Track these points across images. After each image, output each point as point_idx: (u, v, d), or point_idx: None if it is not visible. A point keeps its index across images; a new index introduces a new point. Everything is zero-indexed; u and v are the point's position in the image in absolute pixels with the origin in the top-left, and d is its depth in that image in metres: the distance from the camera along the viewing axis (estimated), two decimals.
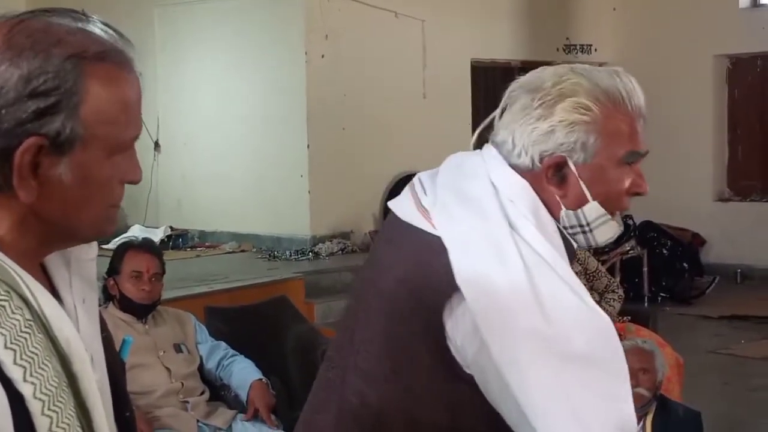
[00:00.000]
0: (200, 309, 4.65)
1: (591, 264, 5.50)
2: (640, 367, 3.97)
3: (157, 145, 10.62)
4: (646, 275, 9.73)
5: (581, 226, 1.76)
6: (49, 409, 1.10)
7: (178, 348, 3.99)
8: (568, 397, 1.59)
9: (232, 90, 10.12)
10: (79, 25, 1.19)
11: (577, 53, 11.62)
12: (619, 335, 5.37)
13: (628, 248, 9.67)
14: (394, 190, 10.05)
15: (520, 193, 1.70)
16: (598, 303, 5.23)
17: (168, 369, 3.90)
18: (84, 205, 1.20)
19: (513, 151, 1.73)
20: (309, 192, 9.53)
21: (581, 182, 1.72)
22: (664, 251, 10.10)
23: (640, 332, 5.24)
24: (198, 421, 3.81)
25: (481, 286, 1.61)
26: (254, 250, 9.72)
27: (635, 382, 3.85)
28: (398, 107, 10.06)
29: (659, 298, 9.77)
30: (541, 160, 1.71)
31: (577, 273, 5.51)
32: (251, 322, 4.64)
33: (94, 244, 1.30)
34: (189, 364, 3.98)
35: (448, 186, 1.78)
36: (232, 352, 4.04)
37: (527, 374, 1.59)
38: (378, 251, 1.88)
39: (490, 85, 11.51)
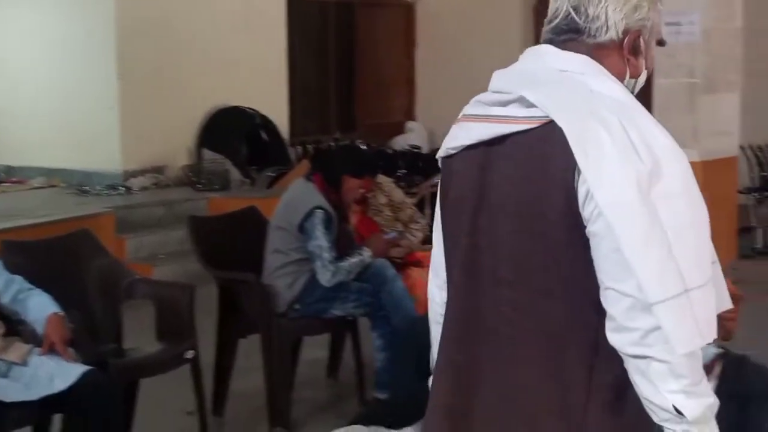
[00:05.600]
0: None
1: (396, 196, 5.64)
2: None
3: None
4: None
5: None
6: None
7: None
8: (670, 231, 1.78)
9: (31, 17, 9.75)
10: None
11: None
12: (421, 263, 5.45)
13: (437, 181, 9.91)
14: (210, 124, 9.97)
15: (584, 65, 1.95)
16: (403, 233, 5.43)
17: None
18: None
19: (602, 26, 1.97)
20: (119, 125, 9.34)
21: (646, 55, 2.03)
22: None
23: None
24: None
25: (590, 145, 1.81)
26: (64, 185, 9.50)
27: None
28: (213, 40, 9.95)
29: None
30: (624, 33, 1.98)
31: (383, 204, 5.67)
32: (51, 256, 4.56)
33: None
34: None
35: (523, 84, 1.95)
36: (28, 285, 3.97)
37: (633, 208, 1.78)
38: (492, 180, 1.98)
39: (305, 19, 11.50)
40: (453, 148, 2.07)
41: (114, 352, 4.31)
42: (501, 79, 2.03)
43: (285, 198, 5.06)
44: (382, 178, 5.58)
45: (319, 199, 4.84)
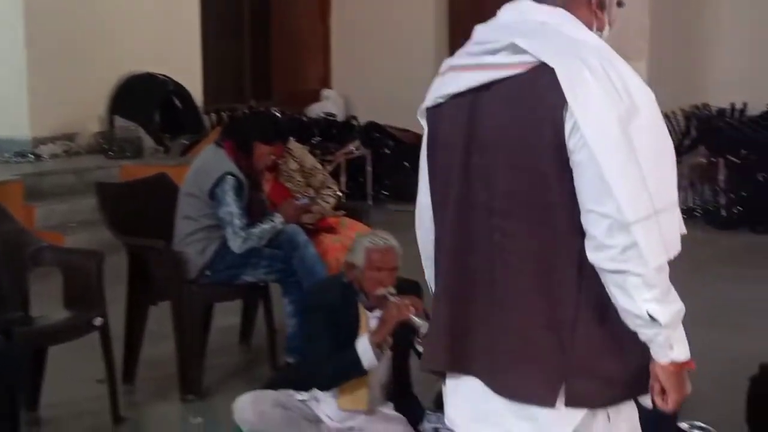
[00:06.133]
0: None
1: (308, 161, 5.63)
2: (393, 266, 3.85)
3: None
4: (370, 175, 10.05)
5: None
6: None
7: None
8: (643, 161, 2.02)
9: None
10: None
11: None
12: (333, 229, 5.42)
13: (353, 149, 9.94)
14: (122, 91, 9.83)
15: (561, 16, 2.16)
16: (315, 199, 5.44)
17: None
18: None
19: None
20: (28, 91, 9.14)
21: (609, 11, 2.25)
22: (387, 151, 10.42)
23: (353, 226, 5.46)
24: None
25: (577, 85, 2.04)
26: None
27: (392, 281, 3.82)
28: (125, 6, 9.80)
29: (382, 197, 10.13)
30: None
31: (294, 170, 5.67)
32: None
33: None
34: None
35: (511, 34, 2.14)
36: None
37: (614, 140, 2.01)
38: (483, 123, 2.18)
39: None
40: (441, 97, 2.25)
41: (20, 319, 4.25)
42: (484, 32, 2.22)
43: (195, 164, 5.04)
44: (293, 144, 5.57)
45: (230, 165, 4.83)
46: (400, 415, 3.93)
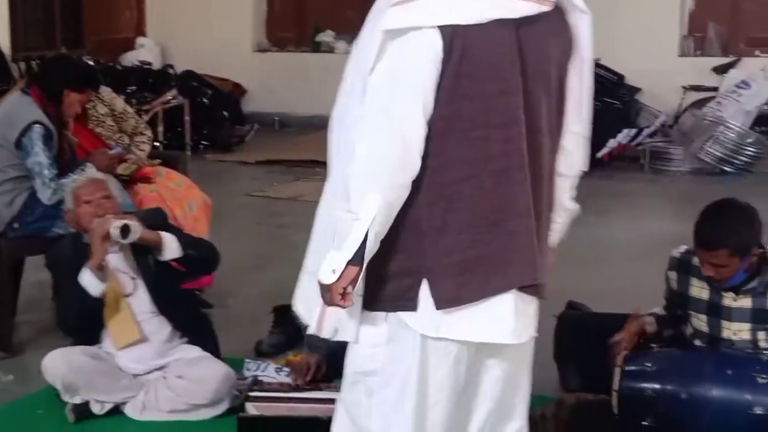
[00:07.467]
0: None
1: (118, 105, 5.46)
2: (102, 195, 4.02)
3: None
4: (188, 124, 9.89)
5: None
6: None
7: None
8: None
9: None
10: None
11: None
12: (149, 179, 5.32)
13: (170, 98, 9.74)
14: None
15: None
16: (129, 147, 5.29)
17: None
18: None
19: None
20: None
21: None
22: (206, 101, 10.27)
23: (170, 176, 5.37)
24: None
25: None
26: None
27: (108, 211, 3.93)
28: None
29: (201, 147, 10.00)
30: None
31: (104, 114, 5.48)
32: None
33: None
34: None
35: None
36: None
37: None
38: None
39: None
40: (491, 19, 2.29)
41: None
42: None
43: None
44: (102, 89, 5.38)
45: (37, 113, 4.65)
46: (216, 359, 3.94)
